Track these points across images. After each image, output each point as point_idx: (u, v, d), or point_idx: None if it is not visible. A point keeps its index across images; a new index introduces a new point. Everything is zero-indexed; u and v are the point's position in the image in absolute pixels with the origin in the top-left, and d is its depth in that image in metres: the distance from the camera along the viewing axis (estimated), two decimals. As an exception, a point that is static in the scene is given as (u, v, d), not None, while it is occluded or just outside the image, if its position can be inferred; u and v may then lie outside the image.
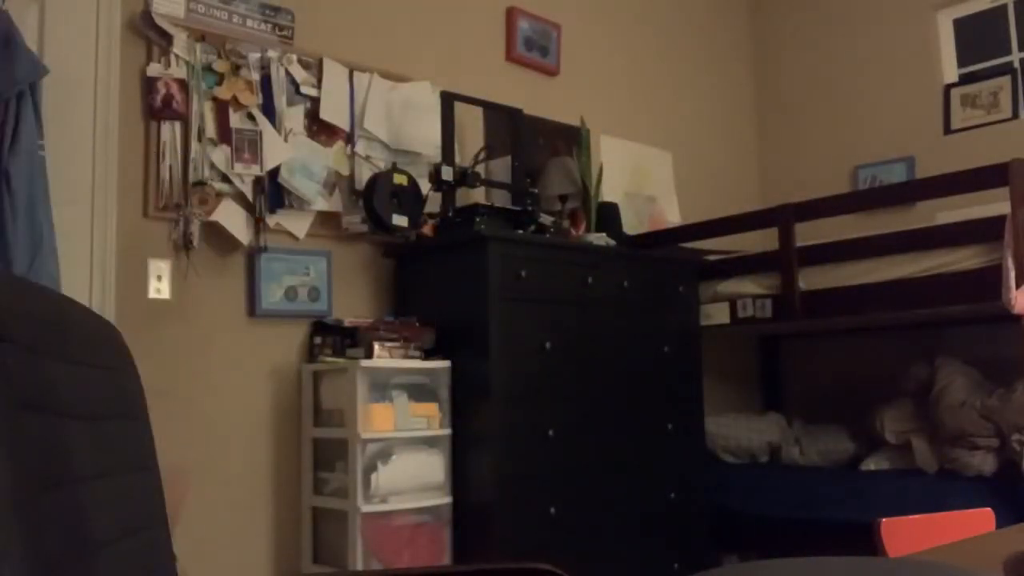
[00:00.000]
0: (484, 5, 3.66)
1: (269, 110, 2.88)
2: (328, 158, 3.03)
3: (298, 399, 2.90)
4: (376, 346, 2.72)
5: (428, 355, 2.84)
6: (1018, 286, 2.66)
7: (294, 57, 2.98)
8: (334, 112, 3.06)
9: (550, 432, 2.83)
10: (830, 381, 4.26)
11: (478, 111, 3.38)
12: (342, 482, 2.68)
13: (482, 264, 2.77)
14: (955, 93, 4.14)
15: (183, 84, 2.71)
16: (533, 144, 3.59)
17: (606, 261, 3.13)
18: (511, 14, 3.73)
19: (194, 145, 2.71)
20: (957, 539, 1.26)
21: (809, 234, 3.38)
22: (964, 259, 2.88)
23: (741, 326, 3.51)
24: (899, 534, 1.51)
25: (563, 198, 3.45)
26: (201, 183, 2.70)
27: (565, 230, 3.28)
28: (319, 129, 3.03)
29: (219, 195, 2.75)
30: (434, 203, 3.08)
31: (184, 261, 2.71)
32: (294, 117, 2.96)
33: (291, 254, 2.92)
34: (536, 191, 3.23)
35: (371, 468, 2.62)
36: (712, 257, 3.67)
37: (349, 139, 3.10)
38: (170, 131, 2.69)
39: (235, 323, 2.81)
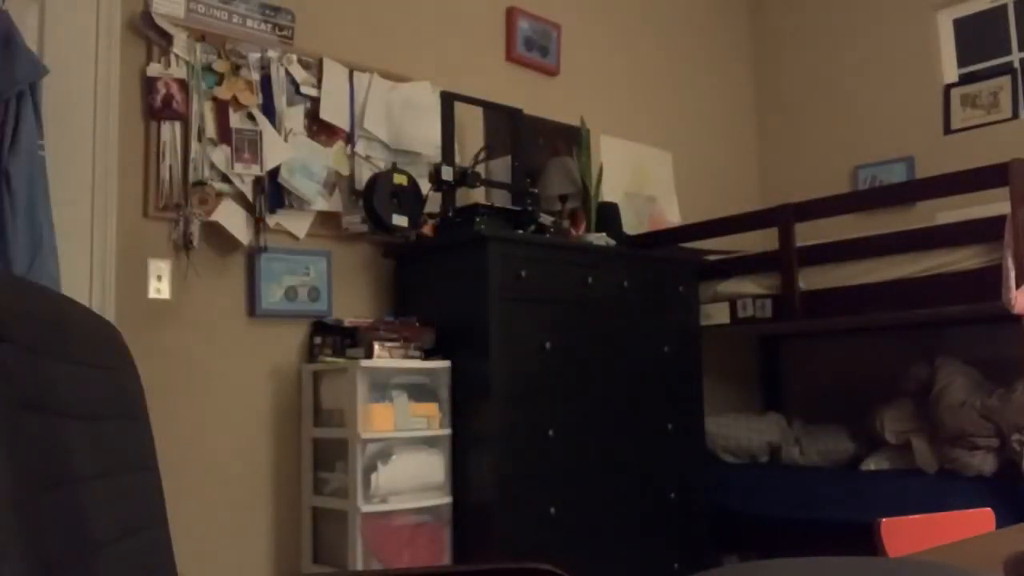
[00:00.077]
0: (484, 5, 3.66)
1: (269, 110, 2.88)
2: (328, 158, 3.03)
3: (298, 399, 2.90)
4: (376, 346, 2.72)
5: (428, 355, 2.84)
6: (1018, 286, 2.66)
7: (294, 57, 2.98)
8: (334, 112, 3.06)
9: (550, 432, 2.83)
10: (830, 381, 4.26)
11: (478, 111, 3.38)
12: (342, 482, 2.68)
13: (482, 264, 2.77)
14: (955, 93, 4.14)
15: (183, 84, 2.71)
16: (533, 144, 3.59)
17: (606, 261, 3.13)
18: (511, 14, 3.73)
19: (194, 145, 2.71)
20: (957, 539, 1.26)
21: (809, 234, 3.38)
22: (964, 259, 2.88)
23: (741, 326, 3.51)
24: (899, 534, 1.51)
25: (563, 198, 3.45)
26: (201, 183, 2.70)
27: (565, 230, 3.28)
28: (319, 129, 3.03)
29: (219, 195, 2.75)
30: (434, 203, 3.08)
31: (184, 261, 2.71)
32: (294, 117, 2.96)
33: (291, 254, 2.92)
34: (536, 191, 3.23)
35: (371, 468, 2.62)
36: (712, 257, 3.67)
37: (349, 139, 3.10)
38: (170, 131, 2.69)
39: (235, 323, 2.81)
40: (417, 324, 2.87)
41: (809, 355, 4.41)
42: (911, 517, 1.55)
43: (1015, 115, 3.96)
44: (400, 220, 2.98)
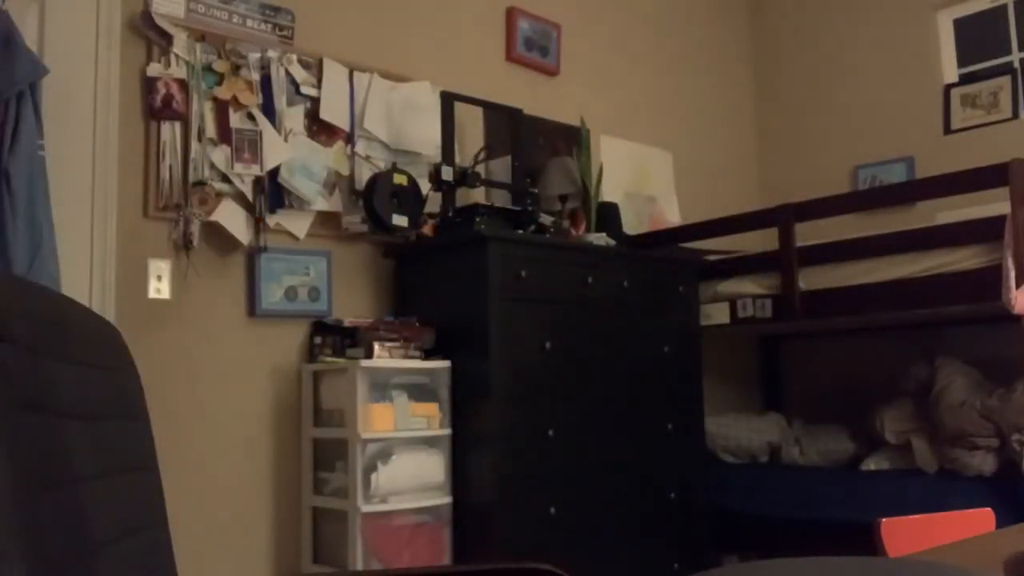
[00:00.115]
0: (484, 5, 3.66)
1: (269, 110, 2.88)
2: (328, 158, 3.03)
3: (298, 399, 2.90)
4: (376, 346, 2.72)
5: (428, 355, 2.84)
6: (1018, 286, 2.66)
7: (294, 57, 2.98)
8: (334, 112, 3.06)
9: (550, 432, 2.83)
10: (830, 381, 4.26)
11: (478, 111, 3.38)
12: (342, 482, 2.68)
13: (482, 264, 2.77)
14: (955, 93, 4.14)
15: (183, 84, 2.71)
16: (533, 144, 3.59)
17: (606, 261, 3.13)
18: (511, 14, 3.73)
19: (194, 145, 2.71)
20: (957, 539, 1.26)
21: (809, 234, 3.38)
22: (964, 259, 2.88)
23: (741, 326, 3.51)
24: (899, 534, 1.51)
25: (563, 198, 3.45)
26: (201, 183, 2.70)
27: (565, 230, 3.28)
28: (319, 129, 3.03)
29: (219, 195, 2.75)
30: (434, 203, 3.08)
31: (184, 261, 2.71)
32: (294, 117, 2.96)
33: (291, 254, 2.92)
34: (536, 191, 3.23)
35: (371, 468, 2.62)
36: (712, 257, 3.67)
37: (349, 139, 3.10)
38: (170, 131, 2.69)
39: (235, 323, 2.81)
40: (417, 324, 2.87)
41: (809, 355, 4.41)
42: (911, 517, 1.55)
43: (1015, 115, 3.96)
44: (400, 220, 2.98)
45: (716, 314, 3.50)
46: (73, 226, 2.46)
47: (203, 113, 2.74)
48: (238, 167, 2.78)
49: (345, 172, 3.07)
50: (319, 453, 2.84)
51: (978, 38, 4.19)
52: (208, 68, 2.77)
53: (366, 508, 2.60)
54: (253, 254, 2.84)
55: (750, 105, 4.88)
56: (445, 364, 2.81)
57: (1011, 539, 1.20)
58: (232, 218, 2.78)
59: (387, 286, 3.18)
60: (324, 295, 2.98)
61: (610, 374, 3.06)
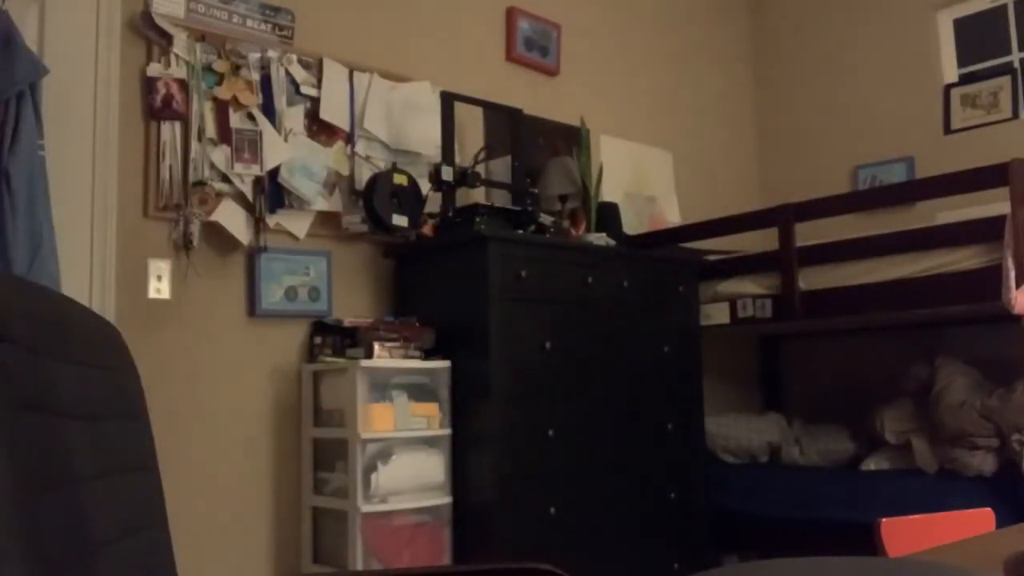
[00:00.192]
0: (484, 5, 3.66)
1: (269, 110, 2.88)
2: (328, 158, 3.03)
3: (298, 399, 2.90)
4: (376, 346, 2.72)
5: (428, 355, 2.84)
6: (1018, 286, 2.66)
7: (294, 57, 2.98)
8: (334, 112, 3.06)
9: (550, 432, 2.83)
10: (830, 381, 4.26)
11: (478, 111, 3.38)
12: (342, 482, 2.68)
13: (482, 264, 2.77)
14: (955, 93, 4.14)
15: (183, 84, 2.71)
16: (533, 144, 3.59)
17: (606, 261, 3.13)
18: (511, 14, 3.73)
19: (194, 145, 2.71)
20: (957, 539, 1.26)
21: (809, 234, 3.38)
22: (964, 259, 2.88)
23: (741, 326, 3.51)
24: (899, 534, 1.51)
25: (563, 198, 3.45)
26: (201, 183, 2.70)
27: (565, 230, 3.28)
28: (319, 129, 3.03)
29: (219, 195, 2.75)
30: (434, 203, 3.08)
31: (184, 261, 2.71)
32: (294, 117, 2.96)
33: (291, 254, 2.92)
34: (536, 191, 3.23)
35: (371, 468, 2.62)
36: (712, 257, 3.67)
37: (349, 139, 3.10)
38: (170, 131, 2.69)
39: (235, 323, 2.81)
40: (417, 324, 2.87)
41: (809, 355, 4.40)
42: (911, 517, 1.55)
43: (1015, 115, 3.96)
44: (400, 220, 2.98)
45: (716, 314, 3.50)
46: (73, 226, 2.46)
47: (203, 113, 2.74)
48: (238, 167, 2.78)
49: (345, 172, 3.07)
50: (319, 453, 2.84)
51: (978, 38, 4.19)
52: (208, 68, 2.77)
53: (366, 508, 2.60)
54: (253, 254, 2.84)
55: (750, 105, 4.88)
56: (445, 364, 2.81)
57: (1011, 539, 1.20)
58: (232, 218, 2.78)
59: (387, 286, 3.18)
60: (324, 295, 2.98)
61: (610, 374, 3.06)
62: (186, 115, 2.71)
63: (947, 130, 4.13)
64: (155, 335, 2.64)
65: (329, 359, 2.84)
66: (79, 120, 2.53)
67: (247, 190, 2.81)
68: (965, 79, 4.17)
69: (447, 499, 2.76)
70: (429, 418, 2.75)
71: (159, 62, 2.70)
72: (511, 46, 3.72)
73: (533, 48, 3.80)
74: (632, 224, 3.90)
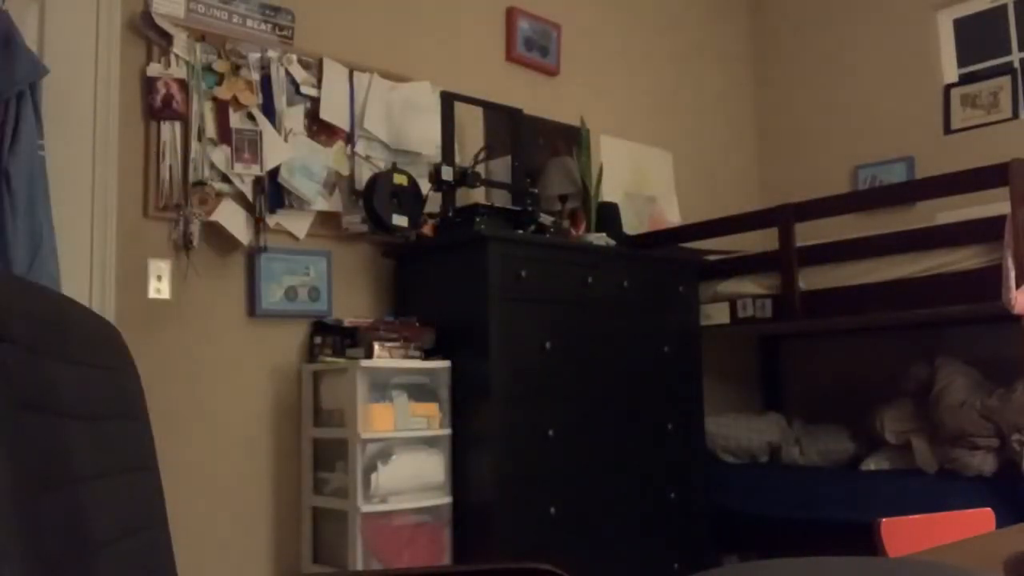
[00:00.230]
0: (484, 5, 3.66)
1: (269, 110, 2.88)
2: (328, 158, 3.03)
3: (298, 399, 2.90)
4: (376, 346, 2.72)
5: (428, 355, 2.84)
6: (1018, 286, 2.66)
7: (294, 57, 2.98)
8: (334, 112, 3.06)
9: (550, 432, 2.83)
10: (830, 381, 4.26)
11: (478, 111, 3.38)
12: (342, 482, 2.68)
13: (482, 264, 2.77)
14: (955, 93, 4.14)
15: (183, 84, 2.71)
16: (533, 144, 3.59)
17: (606, 261, 3.13)
18: (511, 14, 3.73)
19: (194, 145, 2.71)
20: (957, 539, 1.26)
21: (809, 234, 3.38)
22: (964, 259, 2.88)
23: (741, 326, 3.51)
24: (899, 534, 1.51)
25: (563, 198, 3.45)
26: (201, 183, 2.70)
27: (565, 230, 3.28)
28: (319, 129, 3.03)
29: (219, 195, 2.75)
30: (434, 203, 3.08)
31: (184, 261, 2.71)
32: (294, 117, 2.96)
33: (291, 254, 2.92)
34: (536, 191, 3.23)
35: (371, 468, 2.62)
36: (712, 257, 3.67)
37: (349, 139, 3.10)
38: (170, 131, 2.69)
39: (235, 323, 2.81)
40: (417, 324, 2.87)
41: (809, 355, 4.40)
42: (911, 517, 1.55)
43: (1015, 115, 3.96)
44: (400, 220, 2.98)
45: (716, 314, 3.50)
46: (73, 226, 2.46)
47: (203, 113, 2.74)
48: (238, 167, 2.78)
49: (345, 172, 3.07)
50: (319, 453, 2.84)
51: (978, 38, 4.19)
52: (208, 68, 2.77)
53: (366, 508, 2.60)
54: (253, 254, 2.84)
55: (750, 105, 4.88)
56: (445, 364, 2.81)
57: (1011, 539, 1.20)
58: (232, 218, 2.78)
59: (387, 286, 3.18)
60: (324, 295, 2.98)
61: (610, 374, 3.06)
62: (186, 115, 2.71)
63: (947, 130, 4.13)
64: (155, 335, 2.64)
65: (329, 359, 2.84)
66: (79, 120, 2.53)
67: (247, 190, 2.81)
68: (965, 79, 4.17)
69: (447, 499, 2.76)
70: (429, 418, 2.75)
71: (159, 62, 2.70)
72: (511, 46, 3.72)
73: (533, 48, 3.80)
74: (632, 224, 3.90)
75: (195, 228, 2.68)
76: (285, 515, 2.85)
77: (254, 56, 2.88)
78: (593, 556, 2.92)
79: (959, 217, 3.09)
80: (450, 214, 2.99)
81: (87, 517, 0.81)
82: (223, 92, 2.78)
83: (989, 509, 1.67)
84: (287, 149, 2.90)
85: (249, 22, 2.91)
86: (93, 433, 0.87)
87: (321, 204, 2.98)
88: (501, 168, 3.33)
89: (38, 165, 2.28)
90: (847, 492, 3.29)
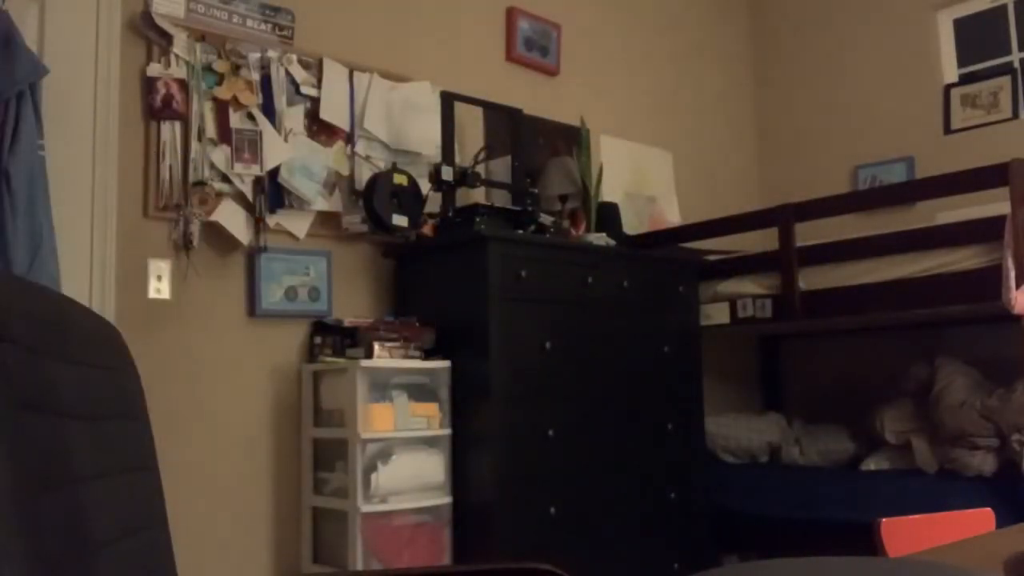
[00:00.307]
0: (484, 5, 3.66)
1: (269, 110, 2.88)
2: (328, 158, 3.03)
3: (298, 399, 2.90)
4: (376, 346, 2.72)
5: (428, 355, 2.84)
6: (1018, 286, 2.66)
7: (294, 57, 2.98)
8: (334, 112, 3.06)
9: (550, 432, 2.83)
10: (830, 381, 4.26)
11: (478, 111, 3.38)
12: (342, 482, 2.68)
13: (482, 264, 2.77)
14: (955, 93, 4.14)
15: (183, 84, 2.71)
16: (533, 144, 3.59)
17: (606, 261, 3.13)
18: (511, 14, 3.73)
19: (194, 145, 2.71)
20: (957, 539, 1.26)
21: (809, 234, 3.38)
22: (964, 259, 2.88)
23: (741, 326, 3.51)
24: (899, 534, 1.51)
25: (563, 198, 3.45)
26: (201, 183, 2.70)
27: (565, 230, 3.28)
28: (319, 129, 3.03)
29: (219, 195, 2.75)
30: (434, 203, 3.08)
31: (184, 261, 2.71)
32: (294, 117, 2.96)
33: (291, 254, 2.92)
34: (536, 191, 3.23)
35: (371, 468, 2.62)
36: (712, 257, 3.67)
37: (349, 139, 3.10)
38: (170, 131, 2.69)
39: (235, 323, 2.81)
40: (417, 324, 2.87)
41: (809, 355, 4.40)
42: (911, 517, 1.55)
43: (1015, 115, 3.96)
44: (400, 220, 2.98)
45: (716, 314, 3.50)
46: (73, 226, 2.46)
47: (203, 113, 2.74)
48: (238, 167, 2.78)
49: (345, 172, 3.07)
50: (319, 453, 2.84)
51: (978, 38, 4.19)
52: (208, 68, 2.77)
53: (366, 508, 2.60)
54: (253, 254, 2.84)
55: (750, 105, 4.88)
56: (445, 364, 2.81)
57: (1011, 539, 1.20)
58: (232, 218, 2.78)
59: (387, 286, 3.18)
60: (324, 295, 2.98)
61: (610, 374, 3.06)
62: (186, 115, 2.71)
63: (947, 130, 4.13)
64: (155, 335, 2.64)
65: (329, 359, 2.84)
66: (79, 120, 2.53)
67: (247, 190, 2.81)
68: (965, 79, 4.17)
69: (447, 499, 2.76)
70: (429, 418, 2.75)
71: (159, 62, 2.70)
72: (511, 46, 3.72)
73: (533, 48, 3.80)
74: (632, 224, 3.90)
75: (195, 228, 2.68)
76: (285, 515, 2.85)
77: (254, 56, 2.88)
78: (593, 556, 2.92)
79: (959, 217, 3.09)
80: (450, 214, 2.99)
81: (87, 517, 0.82)
82: (223, 92, 2.78)
83: (989, 509, 1.67)
84: (287, 149, 2.90)
85: (249, 22, 2.91)
86: (93, 433, 0.87)
87: (321, 204, 2.98)
88: (501, 168, 3.33)
89: (38, 165, 2.28)
90: (847, 492, 3.29)
